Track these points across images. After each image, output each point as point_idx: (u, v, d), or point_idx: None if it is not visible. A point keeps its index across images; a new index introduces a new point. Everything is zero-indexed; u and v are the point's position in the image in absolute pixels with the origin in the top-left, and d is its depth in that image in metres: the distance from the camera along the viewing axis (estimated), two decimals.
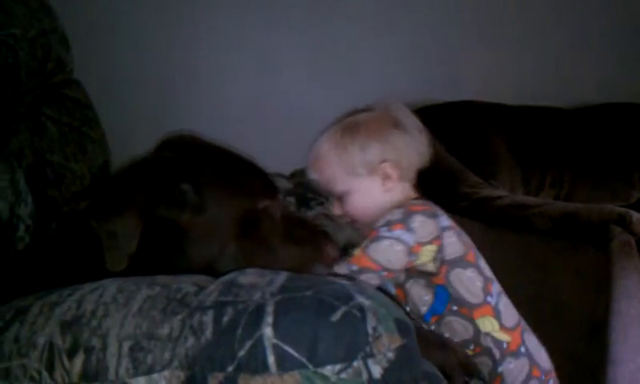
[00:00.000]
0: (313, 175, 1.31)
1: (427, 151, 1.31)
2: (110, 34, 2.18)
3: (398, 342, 0.63)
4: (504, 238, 2.06)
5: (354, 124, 1.31)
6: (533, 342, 1.26)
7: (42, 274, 0.95)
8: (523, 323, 1.27)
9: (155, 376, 0.62)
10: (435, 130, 2.43)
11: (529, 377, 1.21)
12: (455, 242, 1.23)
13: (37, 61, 1.43)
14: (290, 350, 0.61)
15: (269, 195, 0.97)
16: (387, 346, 0.62)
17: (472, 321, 1.20)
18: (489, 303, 1.22)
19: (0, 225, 1.20)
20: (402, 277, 1.22)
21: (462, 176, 2.34)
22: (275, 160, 1.73)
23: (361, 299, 0.64)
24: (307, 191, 1.70)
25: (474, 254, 1.26)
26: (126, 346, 0.64)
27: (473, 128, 2.60)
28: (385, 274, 1.16)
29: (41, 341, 0.67)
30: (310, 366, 0.60)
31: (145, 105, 2.20)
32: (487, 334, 1.20)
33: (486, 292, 1.22)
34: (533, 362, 1.22)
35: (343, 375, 0.60)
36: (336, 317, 0.62)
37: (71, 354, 0.66)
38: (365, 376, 0.61)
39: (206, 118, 2.30)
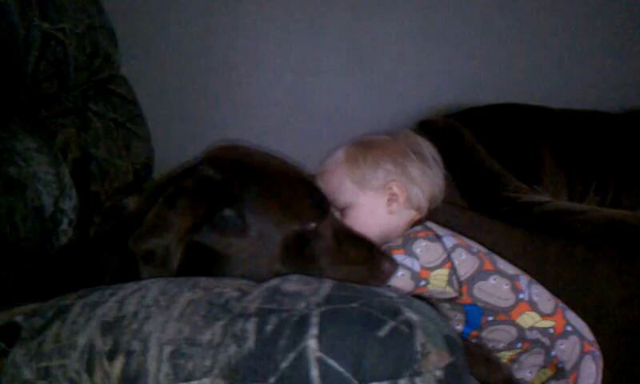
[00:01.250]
0: (322, 185, 1.27)
1: (441, 184, 1.32)
2: (153, 32, 2.19)
3: (446, 359, 0.60)
4: (547, 244, 2.02)
5: (369, 141, 1.32)
6: (574, 319, 1.26)
7: (83, 271, 0.95)
8: (561, 303, 1.27)
9: (195, 383, 0.61)
10: (478, 133, 2.42)
11: (582, 353, 1.22)
12: (467, 259, 1.21)
13: (85, 56, 1.44)
14: (335, 365, 0.59)
15: (318, 215, 0.93)
16: (436, 363, 0.60)
17: (512, 322, 1.20)
18: (522, 300, 1.21)
19: (44, 218, 1.21)
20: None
21: (504, 180, 2.29)
22: (314, 161, 1.72)
23: (409, 314, 0.62)
24: None
25: (491, 260, 1.25)
26: (167, 350, 0.63)
27: (516, 132, 2.54)
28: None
29: (81, 341, 0.67)
30: (355, 382, 0.58)
31: (186, 103, 2.21)
32: (531, 328, 1.20)
33: (516, 290, 1.22)
34: (582, 337, 1.23)
35: None
36: (383, 331, 0.60)
37: (111, 356, 0.65)
38: None
39: (245, 118, 2.31)
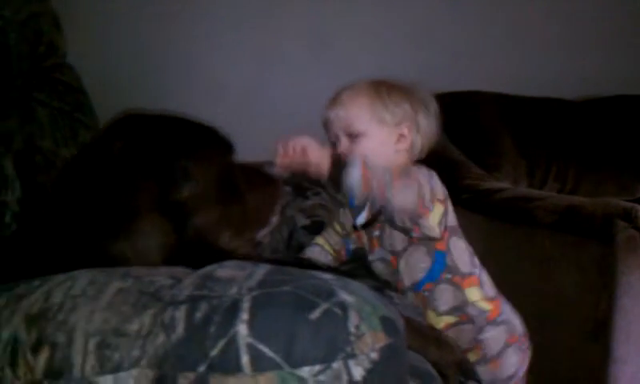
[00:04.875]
0: (333, 111, 1.35)
1: (436, 138, 1.39)
2: (104, 18, 2.14)
3: (382, 341, 0.59)
4: (506, 231, 2.02)
5: (392, 82, 1.39)
6: (508, 310, 1.34)
7: (27, 262, 0.91)
8: (500, 296, 1.36)
9: (122, 374, 0.58)
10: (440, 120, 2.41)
11: (506, 344, 1.30)
12: (452, 211, 1.32)
13: (28, 44, 1.40)
14: (265, 350, 0.56)
15: (230, 149, 0.98)
16: (371, 345, 0.58)
17: (461, 290, 1.29)
18: (475, 274, 1.32)
19: None
20: (402, 245, 1.29)
21: (464, 168, 2.29)
22: (269, 149, 1.69)
23: (343, 296, 0.60)
24: (304, 181, 1.66)
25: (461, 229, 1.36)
26: (93, 342, 0.60)
27: (477, 119, 2.55)
28: (414, 196, 1.21)
29: (5, 335, 0.63)
30: (286, 367, 0.56)
31: (139, 90, 2.16)
32: (473, 303, 1.29)
33: (473, 264, 1.32)
34: (510, 330, 1.32)
35: (321, 377, 0.56)
36: (315, 314, 0.58)
37: (35, 349, 0.62)
38: (345, 378, 0.57)
39: (202, 105, 2.26)
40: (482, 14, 2.67)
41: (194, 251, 0.69)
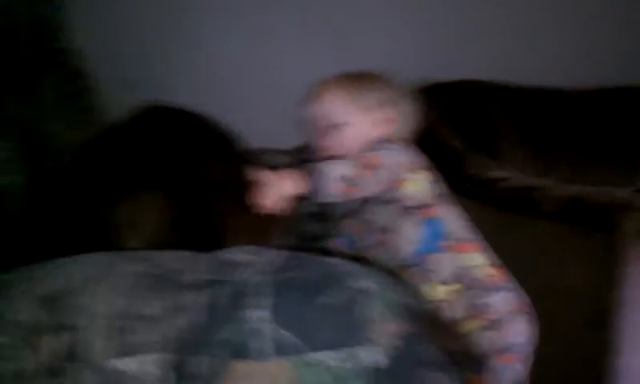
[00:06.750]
0: (309, 107, 1.33)
1: (416, 123, 1.35)
2: (108, 3, 2.13)
3: (404, 328, 0.59)
4: (509, 220, 2.02)
5: (371, 72, 1.37)
6: (512, 280, 1.30)
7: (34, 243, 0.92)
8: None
9: (142, 357, 0.58)
10: (442, 108, 2.41)
11: (513, 311, 1.25)
12: (440, 181, 1.30)
13: (36, 27, 1.40)
14: (287, 334, 0.56)
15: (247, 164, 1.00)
16: (393, 332, 0.58)
17: (460, 256, 1.25)
18: (475, 240, 1.28)
19: None
20: (391, 220, 1.25)
21: (467, 157, 2.29)
22: (265, 134, 1.69)
23: (367, 283, 0.60)
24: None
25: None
26: (113, 325, 0.60)
27: (480, 108, 2.54)
28: (386, 175, 1.20)
29: (23, 318, 0.63)
30: (309, 352, 0.56)
31: (142, 75, 2.15)
32: (474, 268, 1.25)
33: (471, 231, 1.29)
34: (517, 297, 1.27)
35: (344, 363, 0.56)
36: (339, 300, 0.58)
37: (56, 332, 0.62)
38: (366, 364, 0.57)
39: (198, 88, 2.25)
40: (488, 6, 2.66)
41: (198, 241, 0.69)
